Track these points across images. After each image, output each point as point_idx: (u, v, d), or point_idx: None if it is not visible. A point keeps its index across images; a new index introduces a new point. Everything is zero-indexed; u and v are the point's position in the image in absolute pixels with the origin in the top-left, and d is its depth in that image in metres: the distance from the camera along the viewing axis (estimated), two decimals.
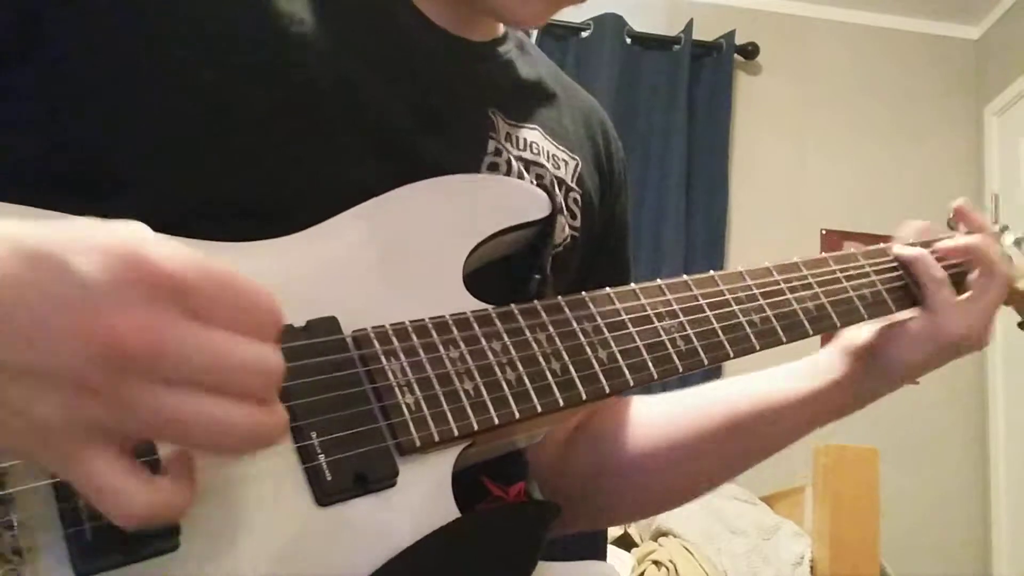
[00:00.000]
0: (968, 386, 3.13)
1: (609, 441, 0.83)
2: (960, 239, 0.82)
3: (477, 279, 0.63)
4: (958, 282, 0.81)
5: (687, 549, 1.97)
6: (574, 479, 0.83)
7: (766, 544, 1.99)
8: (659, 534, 2.08)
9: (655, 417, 0.84)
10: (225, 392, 0.39)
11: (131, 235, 0.39)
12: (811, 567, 1.91)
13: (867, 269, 0.79)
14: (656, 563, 1.95)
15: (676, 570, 1.91)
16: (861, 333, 0.81)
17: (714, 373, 3.03)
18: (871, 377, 0.81)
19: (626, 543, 2.15)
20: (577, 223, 0.78)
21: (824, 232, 3.19)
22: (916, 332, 0.78)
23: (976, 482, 3.07)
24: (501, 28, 0.81)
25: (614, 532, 2.13)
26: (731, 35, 3.29)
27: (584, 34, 3.23)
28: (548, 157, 0.77)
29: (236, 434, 0.40)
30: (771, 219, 3.18)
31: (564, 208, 0.76)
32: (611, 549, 2.00)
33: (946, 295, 0.79)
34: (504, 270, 0.67)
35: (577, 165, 0.80)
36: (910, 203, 3.06)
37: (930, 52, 3.43)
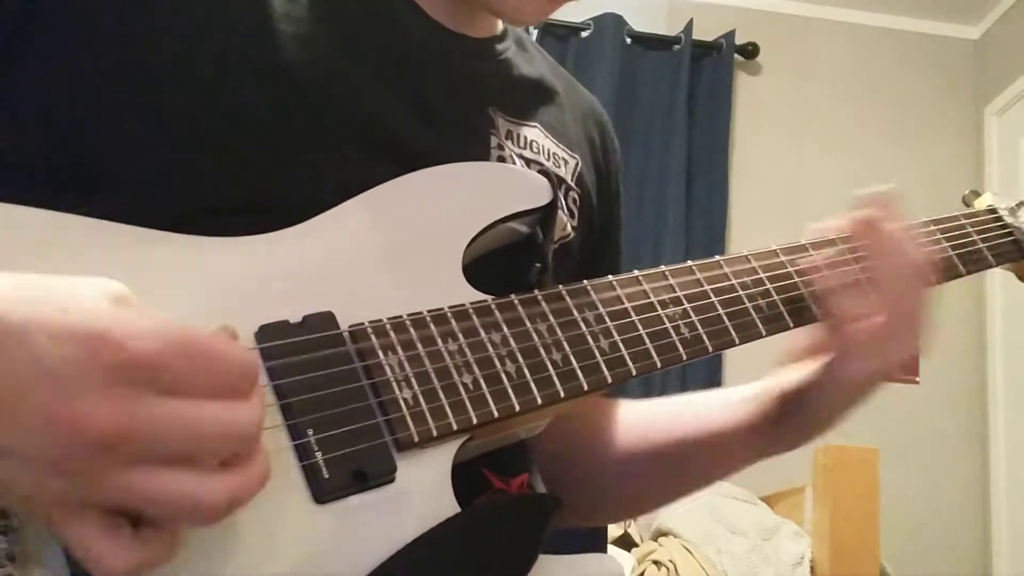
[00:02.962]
0: (968, 386, 3.13)
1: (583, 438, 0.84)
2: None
3: (477, 269, 0.62)
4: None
5: (687, 549, 1.97)
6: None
7: (766, 544, 1.99)
8: (659, 534, 2.08)
9: (622, 423, 0.85)
10: (202, 459, 0.41)
11: (97, 313, 0.40)
12: (811, 567, 1.91)
13: None
14: (656, 563, 1.95)
15: (676, 570, 1.91)
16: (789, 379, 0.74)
17: (717, 361, 3.01)
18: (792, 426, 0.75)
19: (626, 543, 2.15)
20: (575, 222, 0.77)
21: None
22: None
23: (976, 482, 3.06)
24: (500, 25, 0.80)
25: (614, 532, 2.13)
26: (731, 35, 3.29)
27: (584, 34, 3.23)
28: (548, 155, 0.76)
29: (207, 509, 0.41)
30: (771, 219, 3.18)
31: (564, 207, 0.76)
32: (611, 549, 2.00)
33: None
34: (504, 260, 0.66)
35: (577, 164, 0.79)
36: (910, 203, 3.05)
37: (930, 52, 3.43)
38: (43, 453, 0.38)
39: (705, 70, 3.29)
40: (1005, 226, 0.86)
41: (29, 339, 0.38)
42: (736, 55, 3.31)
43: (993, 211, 0.87)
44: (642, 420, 0.84)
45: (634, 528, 2.19)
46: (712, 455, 0.80)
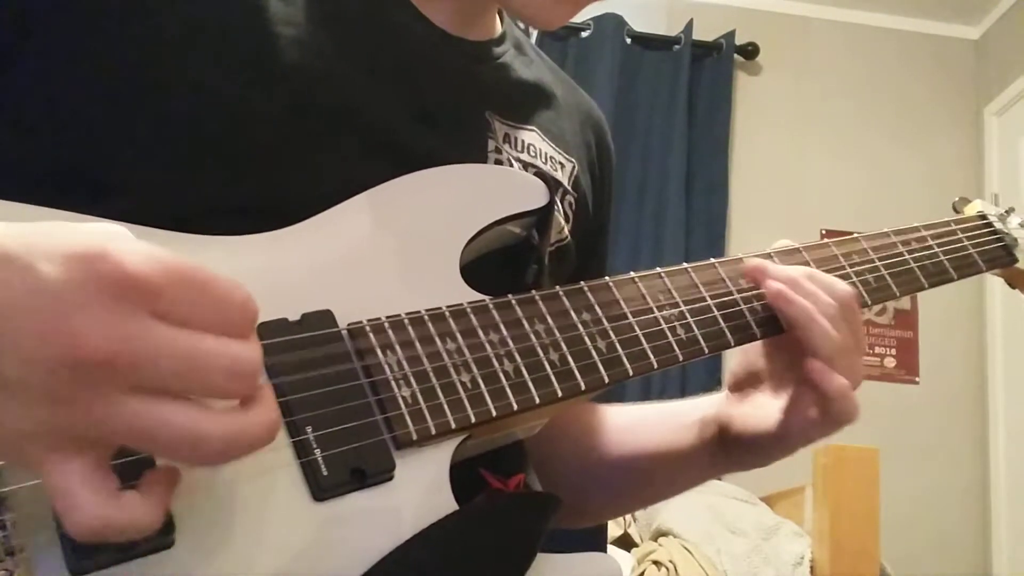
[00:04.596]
0: (968, 386, 3.13)
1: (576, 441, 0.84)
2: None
3: (474, 270, 0.62)
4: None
5: (687, 549, 1.97)
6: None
7: (766, 544, 1.99)
8: (659, 534, 2.08)
9: (618, 426, 0.85)
10: (200, 395, 0.39)
11: (98, 236, 0.38)
12: (811, 567, 1.91)
13: (870, 255, 0.78)
14: (656, 563, 1.95)
15: (676, 570, 1.91)
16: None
17: (717, 361, 3.05)
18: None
19: (626, 543, 2.15)
20: (571, 226, 0.77)
21: (824, 232, 3.19)
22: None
23: (976, 482, 3.06)
24: (499, 28, 0.81)
25: (614, 532, 2.13)
26: (731, 35, 3.29)
27: (584, 34, 3.23)
28: (545, 159, 0.76)
29: (209, 444, 0.39)
30: (771, 219, 3.18)
31: (560, 210, 0.76)
32: (611, 549, 2.00)
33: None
34: (501, 261, 0.67)
35: (573, 168, 0.80)
36: (910, 203, 3.06)
37: (930, 52, 3.43)
38: (40, 378, 0.36)
39: (705, 70, 3.29)
40: (995, 232, 0.87)
41: (30, 264, 0.37)
42: (736, 55, 3.31)
43: (983, 217, 0.88)
44: (619, 429, 0.84)
45: (634, 528, 2.19)
46: (668, 472, 0.81)
